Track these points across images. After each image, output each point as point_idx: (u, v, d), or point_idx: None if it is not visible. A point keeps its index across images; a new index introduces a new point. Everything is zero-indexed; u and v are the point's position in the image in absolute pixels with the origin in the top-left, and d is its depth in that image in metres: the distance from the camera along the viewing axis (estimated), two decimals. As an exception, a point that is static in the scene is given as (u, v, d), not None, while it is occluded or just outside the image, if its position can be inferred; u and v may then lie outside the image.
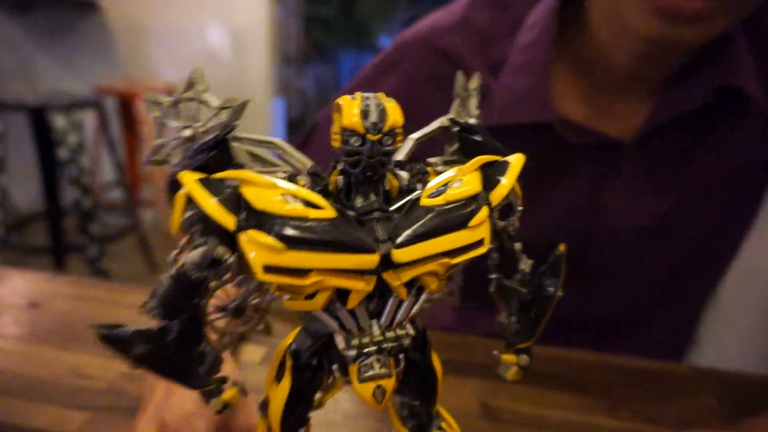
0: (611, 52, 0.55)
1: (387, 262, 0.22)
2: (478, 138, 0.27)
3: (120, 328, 0.23)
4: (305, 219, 0.21)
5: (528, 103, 0.56)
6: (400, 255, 0.22)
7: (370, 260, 0.22)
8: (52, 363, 0.50)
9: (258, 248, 0.21)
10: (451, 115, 0.29)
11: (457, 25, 0.60)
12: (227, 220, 0.21)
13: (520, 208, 0.27)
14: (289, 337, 0.27)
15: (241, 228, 0.21)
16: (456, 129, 0.29)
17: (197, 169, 0.23)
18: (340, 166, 0.24)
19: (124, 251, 2.37)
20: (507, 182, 0.26)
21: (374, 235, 0.22)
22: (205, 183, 0.22)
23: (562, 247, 0.29)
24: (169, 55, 2.63)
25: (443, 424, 0.29)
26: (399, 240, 0.22)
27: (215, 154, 0.24)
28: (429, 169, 0.27)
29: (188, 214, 0.22)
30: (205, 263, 0.22)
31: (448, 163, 0.27)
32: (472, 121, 0.29)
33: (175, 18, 2.57)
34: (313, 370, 0.26)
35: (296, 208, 0.22)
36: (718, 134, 0.59)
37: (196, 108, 0.25)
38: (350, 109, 0.23)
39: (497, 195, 0.25)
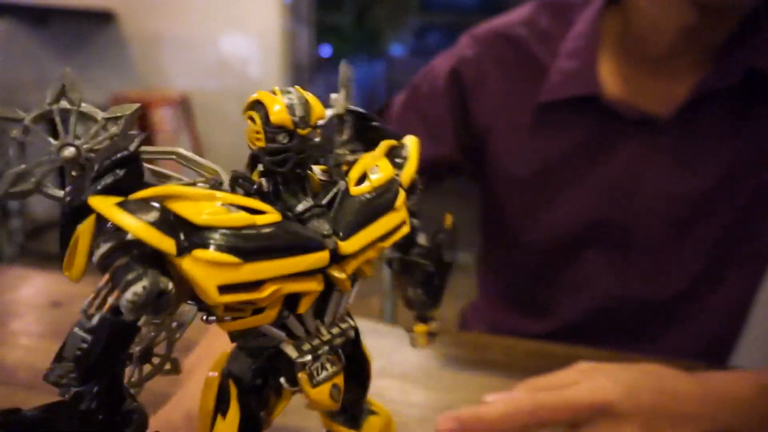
0: (653, 32, 0.60)
1: (333, 257, 0.22)
2: (375, 124, 0.27)
3: (20, 413, 0.19)
4: (254, 227, 0.20)
5: (576, 79, 0.64)
6: (346, 246, 0.22)
7: (323, 258, 0.21)
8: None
9: (209, 268, 0.19)
10: (346, 105, 0.28)
11: (525, 21, 0.70)
12: (166, 243, 0.18)
13: (420, 187, 0.27)
14: (215, 366, 0.25)
15: (183, 250, 0.19)
16: (350, 118, 0.28)
17: (105, 192, 0.19)
18: (260, 168, 0.23)
19: (140, 258, 2.39)
20: (413, 163, 0.26)
21: (319, 232, 0.22)
22: (126, 206, 0.18)
23: (449, 220, 0.31)
24: (183, 65, 2.67)
25: (373, 408, 0.30)
26: (343, 233, 0.22)
27: (126, 173, 0.20)
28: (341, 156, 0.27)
29: (104, 248, 0.18)
30: (151, 299, 0.18)
31: (354, 152, 0.27)
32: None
33: (190, 28, 2.61)
34: (257, 391, 0.24)
35: (242, 217, 0.20)
36: (758, 110, 0.62)
37: (73, 121, 0.21)
38: (275, 105, 0.21)
39: (407, 176, 0.26)
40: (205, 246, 0.19)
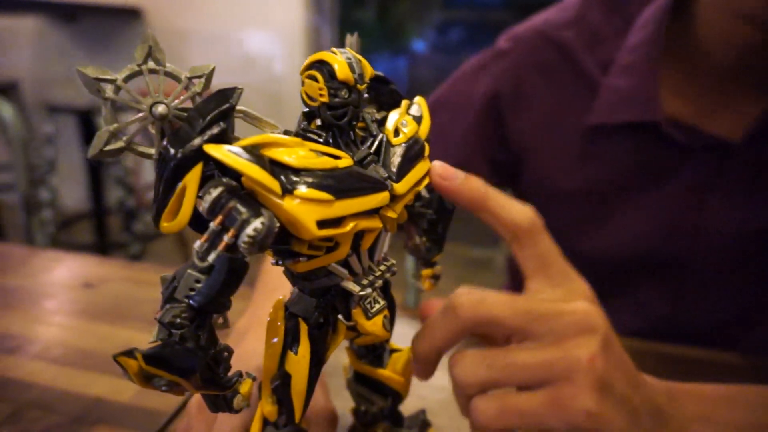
0: (721, 44, 0.53)
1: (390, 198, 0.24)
2: (392, 87, 0.30)
3: (150, 349, 0.20)
4: (337, 169, 0.22)
5: (634, 102, 0.56)
6: (400, 187, 0.25)
7: (386, 197, 0.24)
8: (106, 338, 0.52)
9: (309, 205, 0.21)
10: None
11: (571, 21, 0.61)
12: (273, 184, 0.20)
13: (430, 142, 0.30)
14: (274, 312, 0.27)
15: (285, 190, 0.21)
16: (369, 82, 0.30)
17: (213, 141, 0.21)
18: (317, 122, 0.25)
19: (165, 250, 2.43)
20: (427, 119, 0.29)
21: (379, 176, 0.25)
22: (236, 152, 0.20)
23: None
24: (207, 60, 2.66)
25: (394, 347, 0.34)
26: (396, 176, 0.25)
27: (227, 124, 0.21)
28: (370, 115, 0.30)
29: (215, 192, 0.20)
30: (270, 234, 0.20)
31: (379, 111, 0.30)
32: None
33: (215, 24, 2.64)
34: (320, 328, 0.27)
35: (329, 161, 0.22)
36: None
37: (160, 81, 0.22)
38: (339, 64, 0.24)
39: (424, 129, 0.28)
40: (303, 186, 0.21)
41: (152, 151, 0.22)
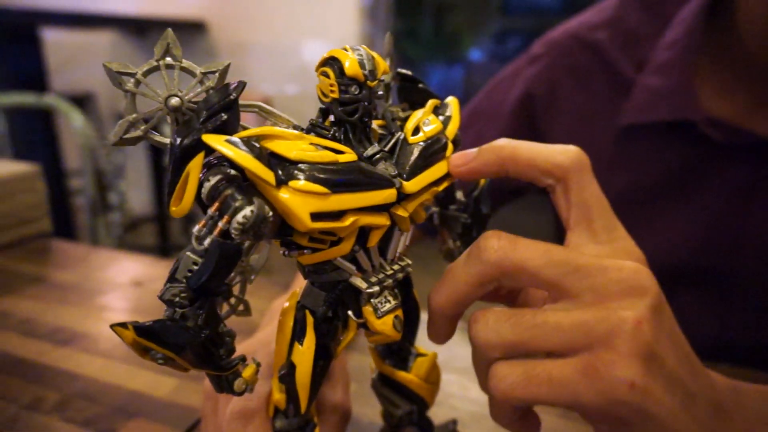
0: (764, 40, 0.50)
1: (398, 196, 0.24)
2: (421, 86, 0.30)
3: (143, 322, 0.21)
4: (336, 163, 0.22)
5: (669, 100, 0.53)
6: (410, 186, 0.24)
7: (392, 194, 0.24)
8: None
9: (302, 197, 0.21)
10: (392, 73, 0.30)
11: (606, 22, 0.60)
12: (267, 175, 0.21)
13: (461, 143, 0.29)
14: (290, 299, 0.27)
15: (280, 181, 0.21)
16: (398, 81, 0.30)
17: (214, 131, 0.21)
18: (331, 118, 0.25)
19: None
20: (455, 120, 0.29)
21: (387, 173, 0.24)
22: (233, 142, 0.21)
23: (483, 181, 0.32)
24: (267, 70, 2.79)
25: (420, 351, 0.32)
26: (406, 174, 0.25)
27: (229, 116, 0.22)
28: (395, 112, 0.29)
29: (214, 180, 0.21)
30: (259, 222, 0.20)
31: (404, 110, 0.30)
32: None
33: (274, 36, 2.73)
34: (328, 321, 0.27)
35: (327, 154, 0.22)
36: None
37: (176, 75, 0.23)
38: (348, 60, 0.23)
39: (451, 130, 0.28)
40: (298, 178, 0.21)
41: (167, 140, 0.22)
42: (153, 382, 0.46)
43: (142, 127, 0.22)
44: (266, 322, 0.43)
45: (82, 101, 2.53)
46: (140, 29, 2.88)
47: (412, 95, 0.30)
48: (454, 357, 0.51)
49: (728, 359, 0.54)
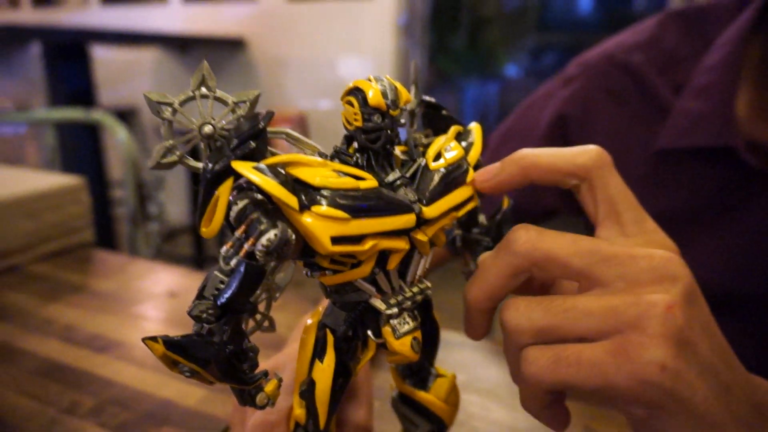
0: None
1: (417, 221, 0.25)
2: (444, 112, 0.30)
3: (172, 337, 0.22)
4: (358, 190, 0.23)
5: (707, 126, 0.52)
6: (429, 212, 0.25)
7: (411, 219, 0.25)
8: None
9: (324, 221, 0.22)
10: (417, 101, 0.30)
11: (644, 43, 0.59)
12: (291, 200, 0.22)
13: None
14: (313, 316, 0.28)
15: (303, 206, 0.22)
16: (422, 108, 0.31)
17: (243, 158, 0.23)
18: (355, 145, 0.26)
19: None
20: (478, 146, 0.29)
21: (407, 198, 0.25)
22: (260, 169, 0.22)
23: (506, 202, 0.32)
24: (303, 85, 2.85)
25: (440, 372, 0.33)
26: (426, 200, 0.25)
27: (257, 144, 0.23)
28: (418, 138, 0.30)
29: (241, 204, 0.22)
30: (282, 245, 0.21)
31: (428, 136, 0.30)
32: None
33: (311, 52, 2.79)
34: (348, 341, 0.27)
35: (349, 181, 0.23)
36: None
37: (210, 105, 0.24)
38: (371, 91, 0.25)
39: (474, 156, 0.29)
40: (320, 203, 0.22)
41: (200, 165, 0.24)
42: (182, 392, 0.48)
43: (178, 153, 0.24)
44: (294, 338, 0.45)
45: (127, 115, 2.63)
46: (183, 46, 2.99)
47: (436, 122, 0.31)
48: (476, 378, 0.51)
49: None
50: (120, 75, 3.18)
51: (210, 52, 2.97)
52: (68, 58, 1.87)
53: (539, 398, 0.24)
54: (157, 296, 0.68)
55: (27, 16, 3.52)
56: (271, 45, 2.86)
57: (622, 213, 0.27)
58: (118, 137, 1.25)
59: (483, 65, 4.35)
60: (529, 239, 0.25)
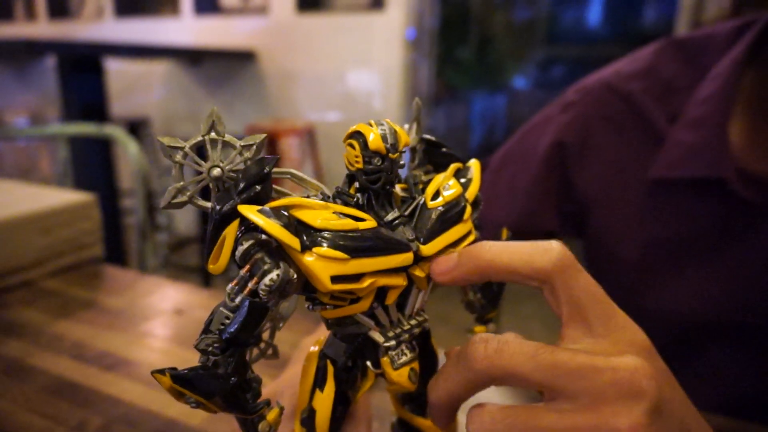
0: None
1: (415, 258, 0.26)
2: (444, 150, 0.31)
3: (179, 371, 0.23)
4: (357, 231, 0.25)
5: (699, 157, 0.53)
6: (426, 249, 0.26)
7: (408, 257, 0.26)
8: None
9: (325, 262, 0.23)
10: (418, 138, 0.31)
11: (642, 72, 0.60)
12: (293, 241, 0.23)
13: (482, 204, 0.31)
14: (317, 343, 0.29)
15: (305, 247, 0.23)
16: (423, 145, 0.32)
17: (248, 201, 0.24)
18: (356, 185, 0.27)
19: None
20: (476, 183, 0.30)
21: (405, 237, 0.26)
22: (265, 212, 0.23)
23: (505, 233, 0.32)
24: (312, 98, 2.88)
25: None
26: (424, 238, 0.26)
27: (262, 187, 0.24)
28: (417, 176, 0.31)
29: (246, 244, 0.23)
30: (284, 285, 0.23)
31: (428, 173, 0.31)
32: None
33: (320, 65, 2.82)
34: (348, 370, 0.28)
35: (349, 222, 0.25)
36: None
37: (219, 148, 0.25)
38: (371, 135, 0.26)
39: (472, 192, 0.30)
40: (321, 244, 0.24)
41: (209, 205, 0.25)
42: (188, 412, 0.49)
43: (188, 193, 0.25)
44: (296, 359, 0.46)
45: (139, 126, 2.67)
46: (194, 59, 3.03)
47: (437, 158, 0.32)
48: (475, 398, 0.51)
49: (765, 417, 0.52)
50: (132, 87, 3.23)
51: (221, 65, 3.01)
52: (82, 71, 1.91)
53: None
54: (165, 313, 0.69)
55: (43, 28, 3.59)
56: (281, 58, 2.89)
57: (588, 313, 0.26)
58: (129, 151, 1.27)
59: (491, 78, 4.37)
60: (486, 356, 0.24)
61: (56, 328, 0.64)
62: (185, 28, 3.07)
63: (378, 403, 0.49)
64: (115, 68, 2.98)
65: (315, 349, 0.30)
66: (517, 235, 0.34)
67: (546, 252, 0.26)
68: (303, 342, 0.49)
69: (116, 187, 1.98)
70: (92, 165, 1.84)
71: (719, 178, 0.52)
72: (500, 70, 4.40)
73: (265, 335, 0.33)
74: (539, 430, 0.23)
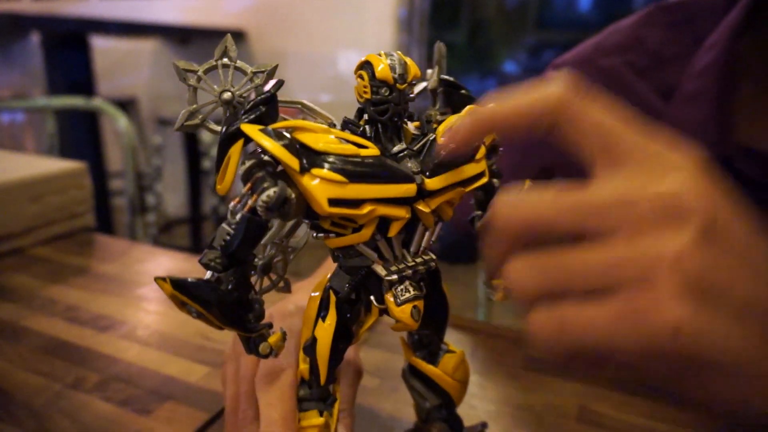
0: None
1: (420, 193, 0.26)
2: (464, 92, 0.31)
3: (182, 279, 0.24)
4: (358, 156, 0.25)
5: (700, 135, 0.47)
6: (431, 183, 0.26)
7: (411, 189, 0.26)
8: (184, 324, 0.57)
9: (324, 184, 0.24)
10: (438, 79, 0.31)
11: (624, 45, 0.55)
12: (293, 161, 0.24)
13: (501, 148, 0.30)
14: (317, 287, 0.30)
15: (304, 168, 0.24)
16: (442, 87, 0.31)
17: (252, 122, 0.24)
18: (365, 117, 0.27)
19: (252, 257, 2.57)
20: None
21: (410, 170, 0.26)
22: (266, 132, 0.24)
23: (527, 183, 0.31)
24: (302, 79, 2.85)
25: (450, 348, 0.34)
26: (430, 172, 0.26)
27: (267, 109, 0.25)
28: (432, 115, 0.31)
29: (248, 163, 0.24)
30: (279, 202, 0.23)
31: (443, 113, 0.31)
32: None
33: (311, 46, 2.79)
34: (351, 304, 0.29)
35: (350, 148, 0.25)
36: None
37: (231, 74, 0.26)
38: (380, 65, 0.26)
39: (488, 136, 0.29)
40: (321, 166, 0.24)
41: (219, 129, 0.26)
42: (186, 369, 0.49)
43: (200, 116, 0.26)
44: (299, 287, 0.44)
45: (126, 105, 2.63)
46: (183, 38, 2.99)
47: (455, 101, 0.32)
48: (474, 358, 0.52)
49: None
50: (120, 65, 3.17)
51: (211, 44, 2.97)
52: (68, 49, 1.87)
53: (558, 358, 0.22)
54: (159, 279, 0.69)
55: (27, 5, 3.50)
56: (271, 37, 2.86)
57: (614, 143, 0.22)
58: (118, 125, 1.25)
59: (482, 61, 4.35)
60: (505, 214, 0.22)
61: (49, 293, 0.63)
62: (174, 7, 3.02)
63: (376, 362, 0.50)
64: (101, 47, 2.92)
65: (316, 294, 0.30)
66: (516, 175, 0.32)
67: (552, 84, 0.23)
68: (317, 270, 0.50)
69: (104, 164, 1.95)
70: (80, 139, 1.81)
71: (723, 156, 0.48)
72: (491, 54, 4.39)
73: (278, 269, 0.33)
74: (573, 268, 0.21)
